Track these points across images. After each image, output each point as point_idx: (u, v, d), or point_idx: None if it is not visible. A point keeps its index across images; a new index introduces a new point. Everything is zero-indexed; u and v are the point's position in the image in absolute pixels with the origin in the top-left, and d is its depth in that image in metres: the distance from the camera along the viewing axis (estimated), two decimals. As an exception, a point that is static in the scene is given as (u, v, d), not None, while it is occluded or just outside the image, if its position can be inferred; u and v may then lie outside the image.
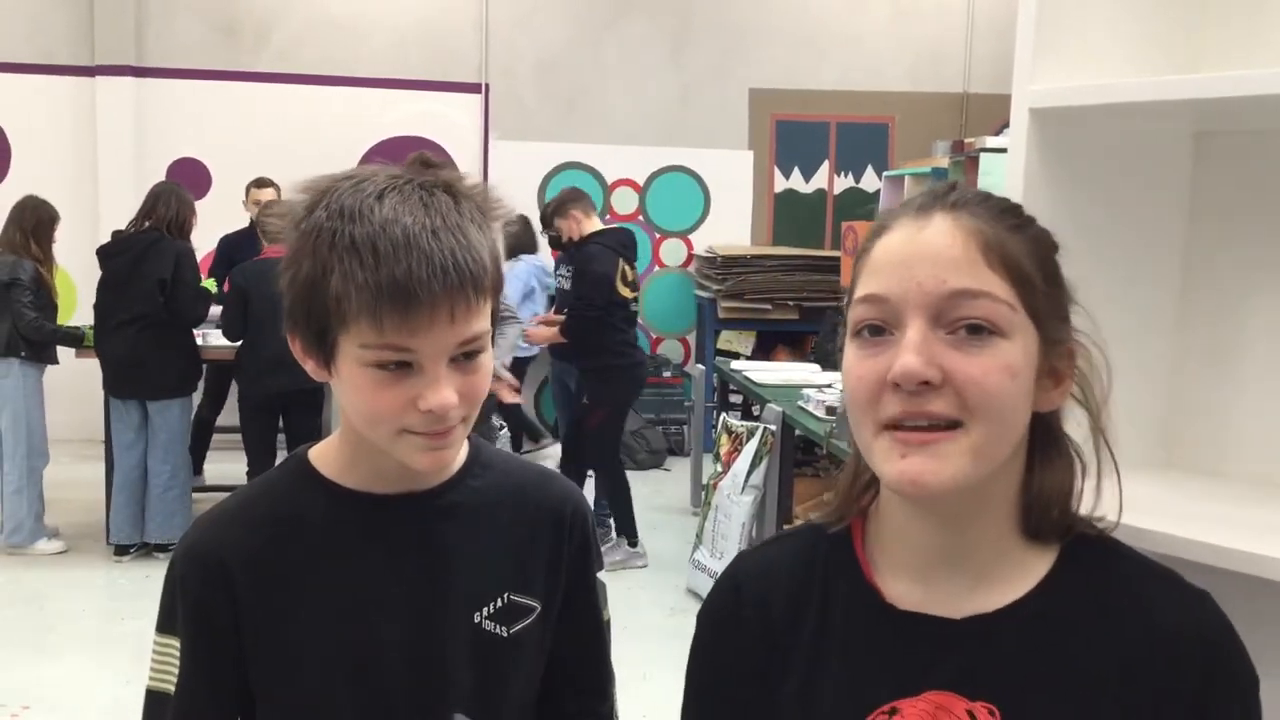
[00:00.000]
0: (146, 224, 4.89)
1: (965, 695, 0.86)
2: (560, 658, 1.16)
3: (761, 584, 0.97)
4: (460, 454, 1.10)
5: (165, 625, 1.07)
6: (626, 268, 5.00)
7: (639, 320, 5.35)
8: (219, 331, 5.09)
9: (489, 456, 1.15)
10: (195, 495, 5.26)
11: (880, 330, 0.85)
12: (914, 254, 0.85)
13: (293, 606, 1.05)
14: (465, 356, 0.97)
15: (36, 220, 4.99)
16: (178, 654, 1.05)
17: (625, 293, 4.98)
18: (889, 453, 0.84)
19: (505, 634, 1.09)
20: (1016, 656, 0.86)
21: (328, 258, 0.94)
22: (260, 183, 6.07)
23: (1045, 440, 0.90)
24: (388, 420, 0.97)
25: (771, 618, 0.95)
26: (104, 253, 4.93)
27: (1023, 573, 0.89)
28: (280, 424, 5.03)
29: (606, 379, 4.97)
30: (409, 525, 1.07)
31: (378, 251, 0.92)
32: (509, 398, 4.57)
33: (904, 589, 0.91)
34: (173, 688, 1.05)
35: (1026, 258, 0.86)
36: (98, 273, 4.95)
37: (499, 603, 1.09)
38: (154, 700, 1.07)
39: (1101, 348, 0.91)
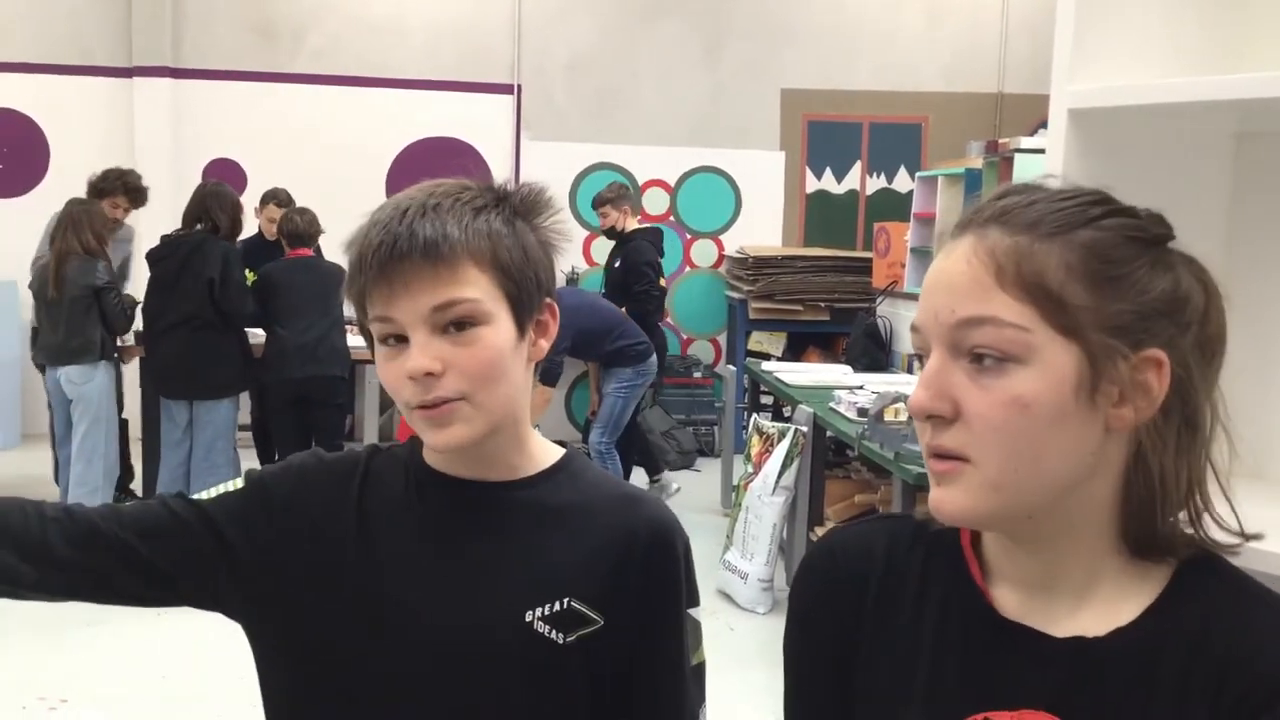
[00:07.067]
0: (199, 227, 4.92)
1: (1063, 718, 0.83)
2: (633, 698, 1.10)
3: (858, 558, 0.95)
4: (549, 457, 1.12)
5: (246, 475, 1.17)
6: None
7: (668, 320, 5.79)
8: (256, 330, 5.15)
9: (581, 467, 1.14)
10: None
11: (923, 359, 0.84)
12: (935, 282, 0.84)
13: (336, 557, 1.07)
14: (456, 327, 0.99)
15: (105, 223, 5.09)
16: (234, 489, 1.15)
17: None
18: (931, 480, 0.84)
19: (561, 640, 1.05)
20: (1115, 686, 0.82)
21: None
22: (273, 198, 5.95)
23: (1136, 456, 0.84)
24: (397, 394, 1.01)
25: (865, 595, 0.93)
26: (153, 256, 4.98)
27: (1127, 596, 0.85)
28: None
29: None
30: (473, 508, 1.08)
31: (363, 234, 1.02)
32: None
33: (1009, 596, 0.88)
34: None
35: (1058, 269, 0.79)
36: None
37: (558, 606, 1.05)
38: None
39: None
